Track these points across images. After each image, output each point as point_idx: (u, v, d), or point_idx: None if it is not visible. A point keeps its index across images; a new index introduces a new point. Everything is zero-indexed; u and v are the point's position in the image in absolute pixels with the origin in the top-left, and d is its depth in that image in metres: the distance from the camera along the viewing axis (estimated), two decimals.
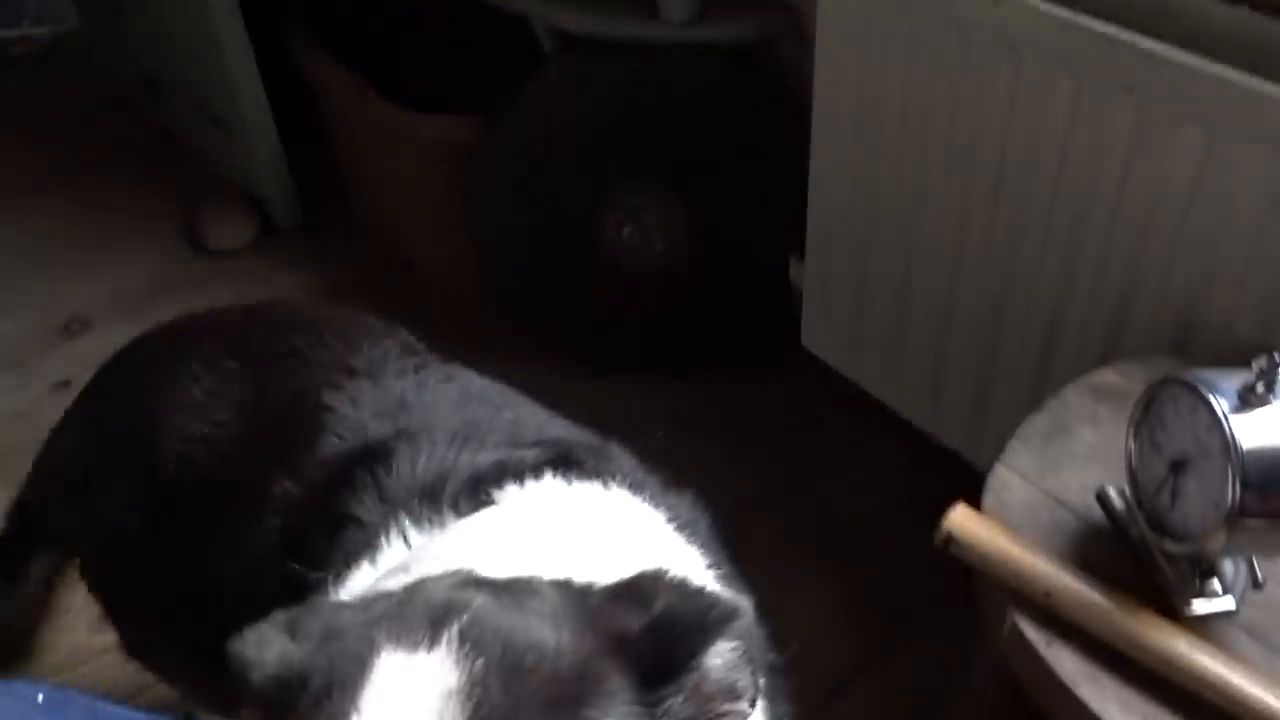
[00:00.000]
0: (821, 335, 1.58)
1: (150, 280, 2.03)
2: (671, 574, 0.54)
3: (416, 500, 0.71)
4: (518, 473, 0.72)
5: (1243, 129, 0.95)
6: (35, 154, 2.28)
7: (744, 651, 0.52)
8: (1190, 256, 1.03)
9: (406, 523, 0.69)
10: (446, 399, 0.86)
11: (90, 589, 1.02)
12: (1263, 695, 0.72)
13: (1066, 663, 0.77)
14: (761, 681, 0.55)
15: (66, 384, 1.72)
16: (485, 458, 0.75)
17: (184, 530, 0.89)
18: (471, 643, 0.49)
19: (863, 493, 1.59)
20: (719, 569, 0.72)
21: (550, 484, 0.71)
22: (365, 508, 0.73)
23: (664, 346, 1.75)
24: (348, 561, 0.69)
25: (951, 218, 1.26)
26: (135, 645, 1.05)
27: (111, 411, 0.99)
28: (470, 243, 1.74)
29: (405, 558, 0.66)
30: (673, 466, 1.70)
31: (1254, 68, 0.97)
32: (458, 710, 0.47)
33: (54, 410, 1.05)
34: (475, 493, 0.70)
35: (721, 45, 1.55)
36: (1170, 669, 0.75)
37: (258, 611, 0.73)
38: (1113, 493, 0.87)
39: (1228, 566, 0.82)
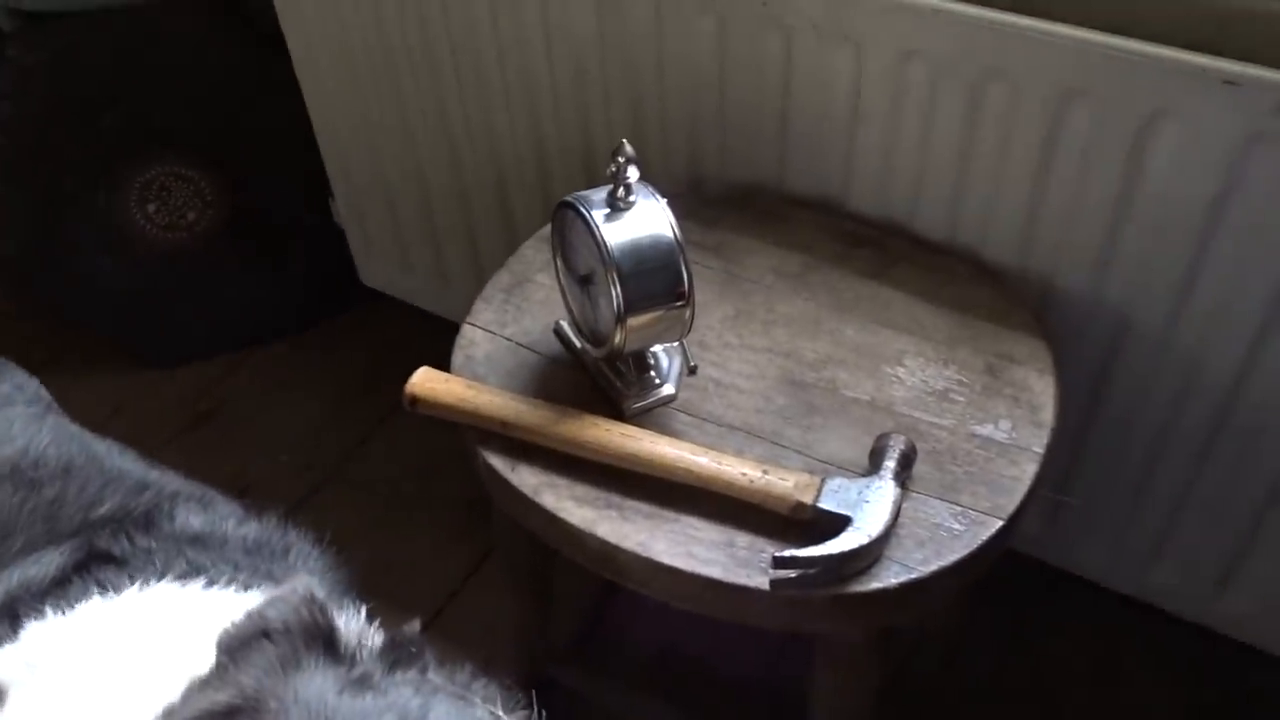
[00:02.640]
0: (374, 268, 1.60)
1: None
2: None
3: None
4: (34, 606, 0.61)
5: None
6: None
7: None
8: (681, 106, 1.11)
9: None
10: None
11: None
12: (677, 455, 0.82)
13: (529, 478, 0.84)
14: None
15: None
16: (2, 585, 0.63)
17: None
18: None
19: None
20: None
21: (63, 628, 0.60)
22: None
23: (232, 318, 1.71)
24: None
25: (433, 113, 1.30)
26: None
27: None
28: None
29: None
30: (281, 430, 1.66)
31: None
32: None
33: None
34: None
35: None
36: (610, 458, 0.83)
37: None
38: (565, 325, 0.95)
39: (664, 361, 0.92)
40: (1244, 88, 0.80)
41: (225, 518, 0.72)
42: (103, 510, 0.72)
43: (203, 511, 0.72)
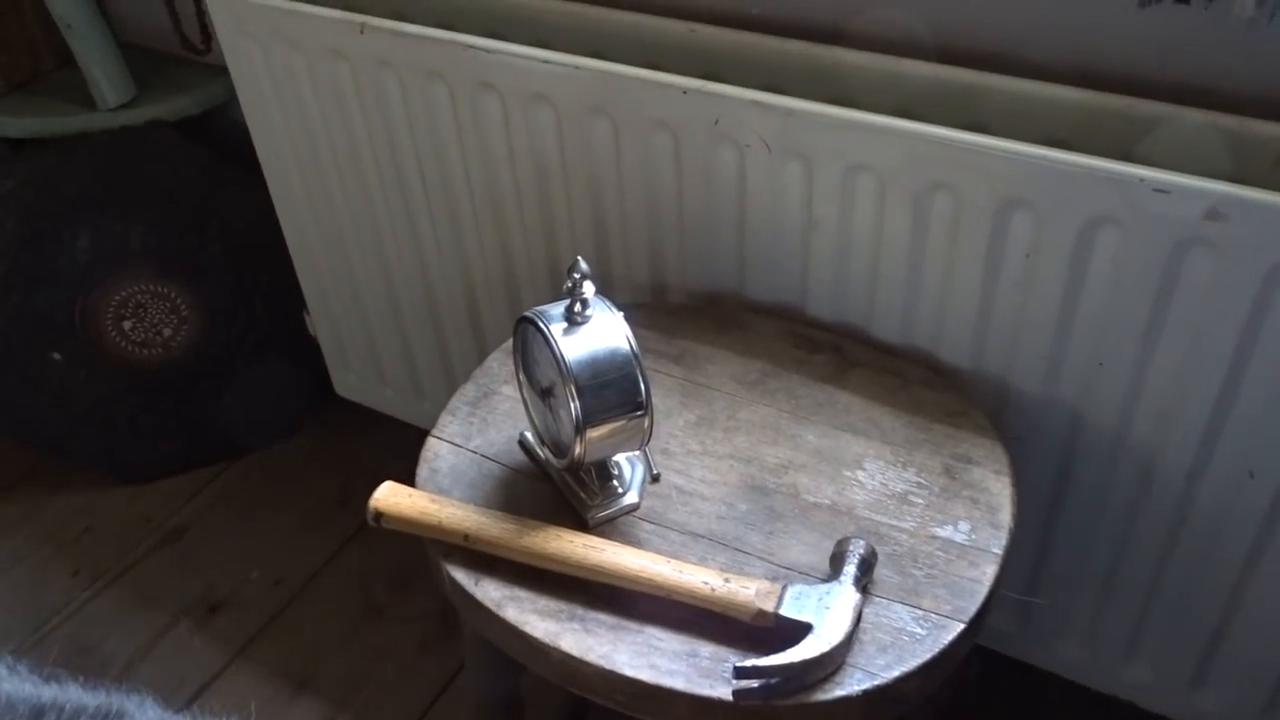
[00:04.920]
0: (349, 380, 1.61)
1: None
2: None
3: None
4: None
5: (585, 103, 1.08)
6: None
7: None
8: (642, 219, 1.15)
9: None
10: None
11: None
12: (639, 565, 0.82)
13: (492, 592, 0.84)
14: None
15: None
16: None
17: None
18: None
19: None
20: None
21: None
22: None
23: (206, 432, 1.71)
24: None
25: (403, 229, 1.33)
26: None
27: None
28: None
29: None
30: (252, 545, 1.65)
31: (596, 52, 1.12)
32: None
33: None
34: None
35: (169, 121, 1.55)
36: (573, 569, 0.83)
37: None
38: (529, 435, 0.96)
39: (627, 470, 0.93)
40: (1174, 195, 0.83)
41: None
42: None
43: None
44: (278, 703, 1.41)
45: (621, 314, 0.86)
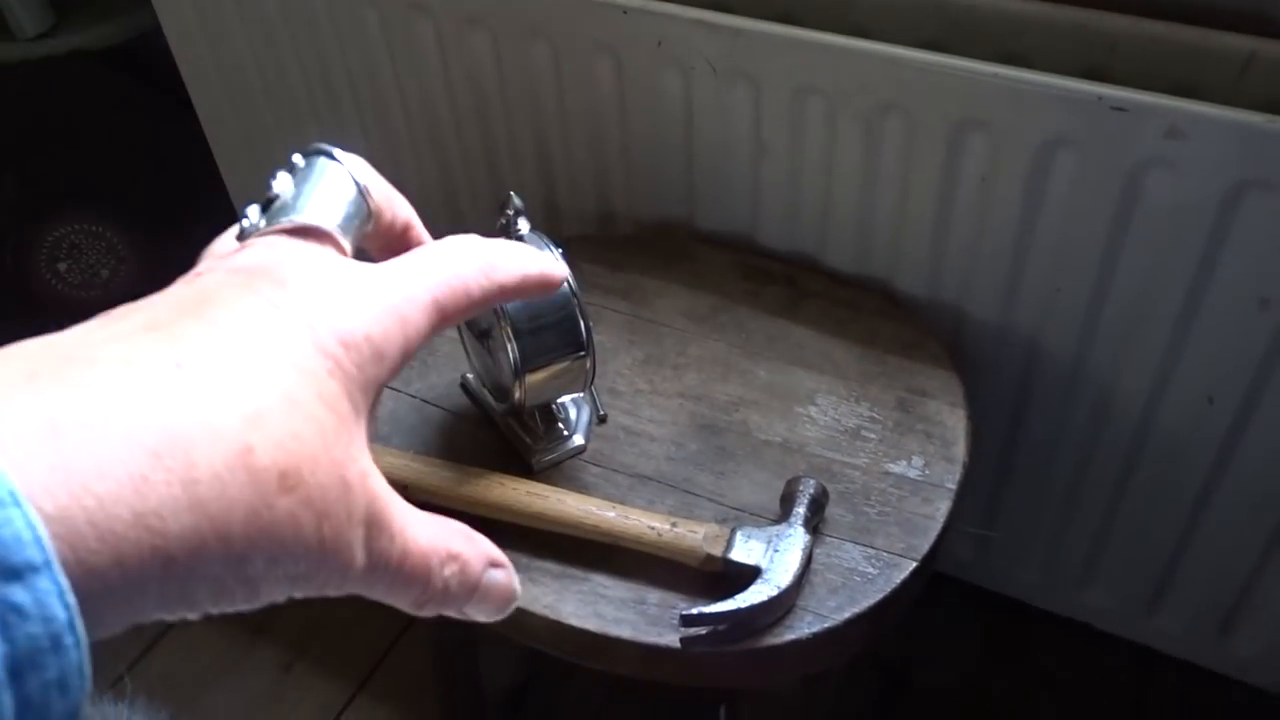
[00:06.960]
0: None
1: None
2: None
3: None
4: None
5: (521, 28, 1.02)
6: None
7: None
8: (586, 147, 1.11)
9: None
10: None
11: None
12: (583, 511, 0.79)
13: None
14: None
15: None
16: None
17: None
18: None
19: None
20: None
21: None
22: None
23: None
24: None
25: None
26: None
27: None
28: None
29: None
30: None
31: None
32: None
33: None
34: None
35: (92, 51, 1.47)
36: (515, 517, 0.81)
37: None
38: (471, 378, 0.93)
39: (573, 411, 0.90)
40: (1133, 114, 0.79)
41: None
42: None
43: None
44: (235, 649, 1.39)
45: (560, 250, 0.82)
